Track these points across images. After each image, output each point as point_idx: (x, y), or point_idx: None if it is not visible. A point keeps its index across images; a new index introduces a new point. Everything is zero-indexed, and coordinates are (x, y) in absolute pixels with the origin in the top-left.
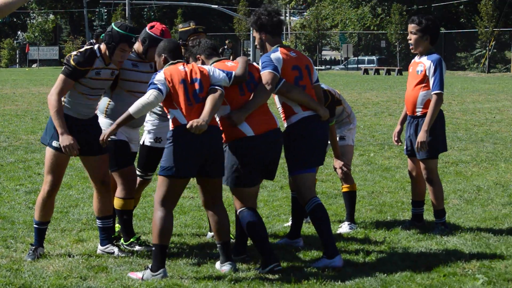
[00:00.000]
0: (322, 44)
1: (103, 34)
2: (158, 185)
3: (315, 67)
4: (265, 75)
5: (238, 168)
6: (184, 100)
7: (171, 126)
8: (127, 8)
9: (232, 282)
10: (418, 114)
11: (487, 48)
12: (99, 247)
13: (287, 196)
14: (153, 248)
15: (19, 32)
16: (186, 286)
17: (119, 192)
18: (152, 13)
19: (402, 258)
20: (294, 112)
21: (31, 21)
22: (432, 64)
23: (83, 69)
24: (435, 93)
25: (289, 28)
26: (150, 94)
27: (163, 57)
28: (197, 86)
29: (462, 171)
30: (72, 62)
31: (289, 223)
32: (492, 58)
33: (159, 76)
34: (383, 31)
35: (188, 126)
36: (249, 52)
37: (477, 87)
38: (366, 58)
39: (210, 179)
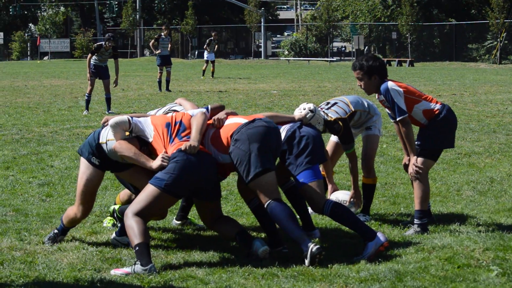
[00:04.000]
0: (333, 36)
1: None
2: (142, 196)
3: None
4: None
5: (252, 156)
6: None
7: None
8: (137, 0)
9: (247, 274)
10: (426, 124)
11: (498, 40)
12: (114, 235)
13: None
14: (137, 248)
15: (30, 25)
16: (200, 278)
17: None
18: (163, 5)
19: (416, 249)
20: None
21: (42, 13)
22: (384, 97)
23: None
24: (399, 121)
25: (300, 20)
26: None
27: None
28: (180, 126)
29: (475, 162)
30: None
31: None
32: (504, 49)
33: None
34: (394, 22)
35: (182, 148)
36: (260, 44)
37: (488, 78)
38: None
39: (207, 202)
